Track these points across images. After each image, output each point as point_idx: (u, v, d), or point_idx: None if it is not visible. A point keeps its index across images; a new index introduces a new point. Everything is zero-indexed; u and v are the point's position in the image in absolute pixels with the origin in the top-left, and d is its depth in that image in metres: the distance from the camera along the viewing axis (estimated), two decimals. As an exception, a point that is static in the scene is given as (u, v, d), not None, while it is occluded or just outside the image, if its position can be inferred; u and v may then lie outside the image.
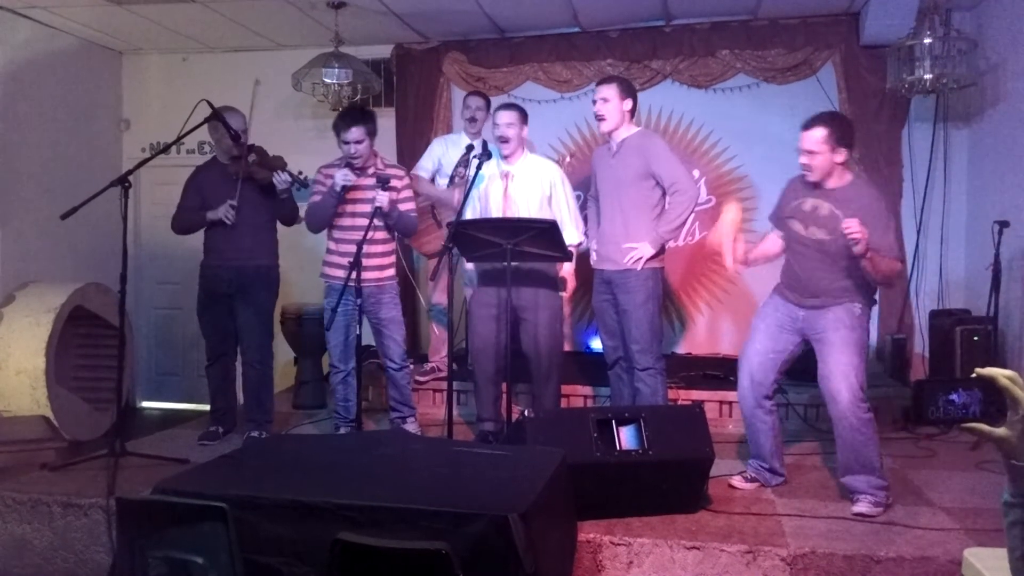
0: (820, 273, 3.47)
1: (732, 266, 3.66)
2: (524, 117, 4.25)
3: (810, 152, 3.39)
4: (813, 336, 3.51)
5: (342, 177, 4.13)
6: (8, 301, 5.19)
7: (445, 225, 4.84)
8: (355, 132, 4.20)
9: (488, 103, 5.17)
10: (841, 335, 3.39)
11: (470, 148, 4.99)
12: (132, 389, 6.48)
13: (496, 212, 4.20)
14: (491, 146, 4.38)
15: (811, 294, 3.50)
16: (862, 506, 3.33)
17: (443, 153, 5.15)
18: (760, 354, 3.60)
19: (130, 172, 3.92)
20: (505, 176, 4.20)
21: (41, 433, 4.47)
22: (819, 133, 3.37)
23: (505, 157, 4.21)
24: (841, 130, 3.39)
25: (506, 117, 4.16)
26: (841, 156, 3.39)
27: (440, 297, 5.19)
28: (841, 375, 3.36)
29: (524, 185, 4.18)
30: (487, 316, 4.17)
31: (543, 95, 5.89)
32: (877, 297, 5.36)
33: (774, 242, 3.73)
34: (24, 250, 5.59)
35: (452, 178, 5.05)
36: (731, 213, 3.50)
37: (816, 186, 3.48)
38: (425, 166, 5.18)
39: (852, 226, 3.14)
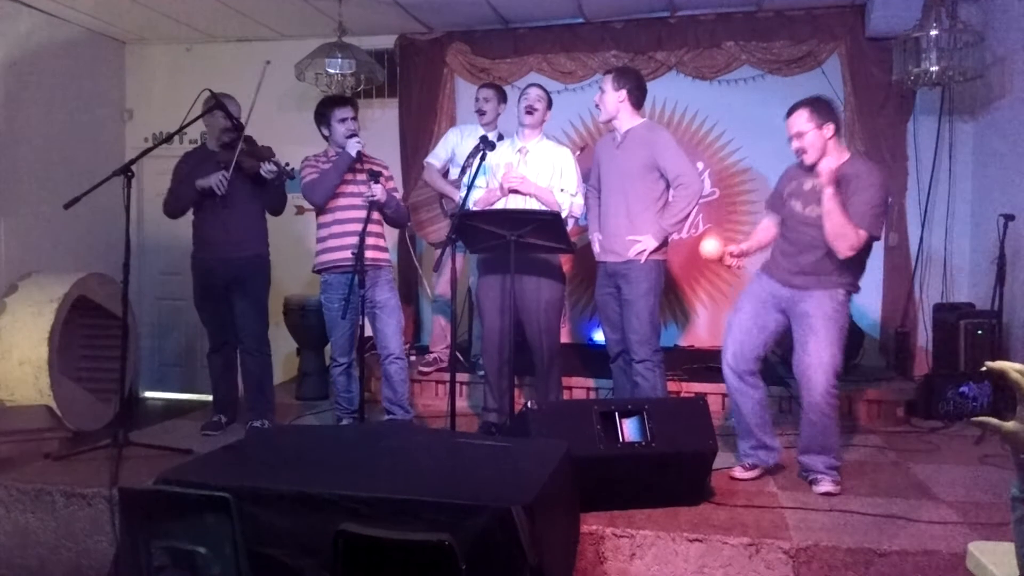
0: (813, 248, 3.49)
1: (736, 267, 3.74)
2: (550, 102, 4.31)
3: (799, 134, 3.48)
4: (794, 317, 3.54)
5: (356, 143, 4.13)
6: (11, 291, 5.19)
7: (450, 216, 4.83)
8: (349, 110, 4.25)
9: (500, 94, 5.14)
10: (823, 324, 3.44)
11: (483, 139, 4.99)
12: (135, 379, 6.49)
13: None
14: (507, 139, 4.37)
15: (799, 271, 3.53)
16: (826, 486, 3.46)
17: (457, 143, 5.13)
18: (743, 331, 3.63)
19: (133, 162, 3.90)
20: (520, 151, 4.21)
21: (44, 423, 4.47)
22: (803, 113, 3.48)
23: (525, 126, 4.21)
24: (821, 107, 3.49)
25: (536, 91, 4.24)
26: (830, 130, 3.47)
27: (444, 289, 5.19)
28: (819, 365, 3.43)
29: (537, 163, 4.18)
30: (492, 308, 4.17)
31: (547, 86, 5.77)
32: (881, 292, 5.47)
33: (767, 229, 3.77)
34: (27, 240, 5.59)
35: (464, 168, 5.05)
36: (711, 246, 3.57)
37: (814, 168, 3.51)
38: (438, 154, 5.18)
39: (823, 168, 3.31)
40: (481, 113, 5.04)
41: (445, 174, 5.18)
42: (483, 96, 5.05)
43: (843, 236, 3.33)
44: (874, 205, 3.38)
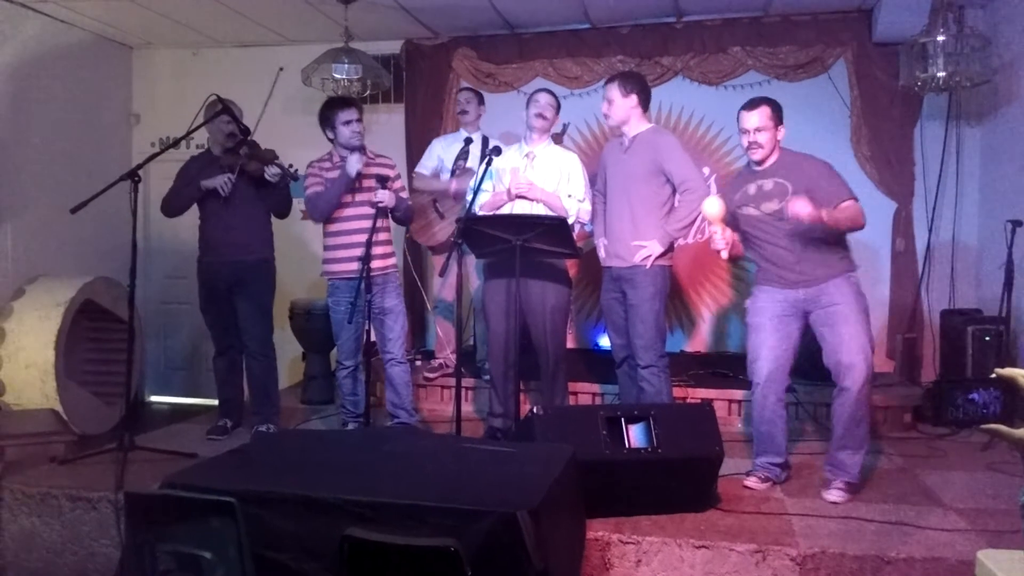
0: (797, 243, 3.52)
1: (726, 255, 3.63)
2: (559, 108, 4.32)
3: (758, 129, 3.57)
4: (818, 310, 3.52)
5: (357, 161, 4.11)
6: (18, 295, 5.20)
7: (455, 220, 4.84)
8: (354, 112, 4.22)
9: (478, 96, 5.26)
10: (851, 308, 3.47)
11: (468, 141, 5.05)
12: (141, 383, 6.49)
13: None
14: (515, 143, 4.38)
15: (800, 269, 3.54)
16: (836, 494, 3.45)
17: (443, 151, 5.22)
18: (772, 349, 3.59)
19: (140, 166, 3.91)
20: (528, 156, 4.22)
21: (50, 427, 4.47)
22: (765, 110, 3.59)
23: (534, 131, 4.21)
24: (778, 109, 3.63)
25: (547, 98, 4.24)
26: (781, 133, 3.62)
27: (448, 293, 5.20)
28: (858, 347, 3.42)
29: (544, 167, 4.19)
30: (498, 312, 4.16)
31: (553, 91, 5.87)
32: (888, 298, 5.46)
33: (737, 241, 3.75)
34: (34, 244, 5.60)
35: (453, 171, 5.08)
36: (714, 207, 3.54)
37: (752, 170, 3.67)
38: (427, 164, 5.25)
39: (796, 209, 3.31)
40: (464, 113, 5.20)
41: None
42: (464, 98, 5.25)
43: (854, 220, 3.46)
44: (839, 183, 3.54)
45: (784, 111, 3.65)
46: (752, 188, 3.63)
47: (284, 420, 4.73)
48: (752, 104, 3.62)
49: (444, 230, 5.13)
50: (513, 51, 5.97)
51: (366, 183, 4.18)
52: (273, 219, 4.55)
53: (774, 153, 3.62)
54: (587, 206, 4.23)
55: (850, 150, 5.46)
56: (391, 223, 4.38)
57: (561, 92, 5.85)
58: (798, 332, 3.62)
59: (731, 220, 3.71)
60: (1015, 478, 3.68)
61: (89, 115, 6.18)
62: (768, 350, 3.60)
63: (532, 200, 4.12)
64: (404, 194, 4.40)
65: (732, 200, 3.70)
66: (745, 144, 3.63)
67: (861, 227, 3.49)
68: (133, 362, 4.09)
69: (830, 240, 3.51)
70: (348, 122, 4.20)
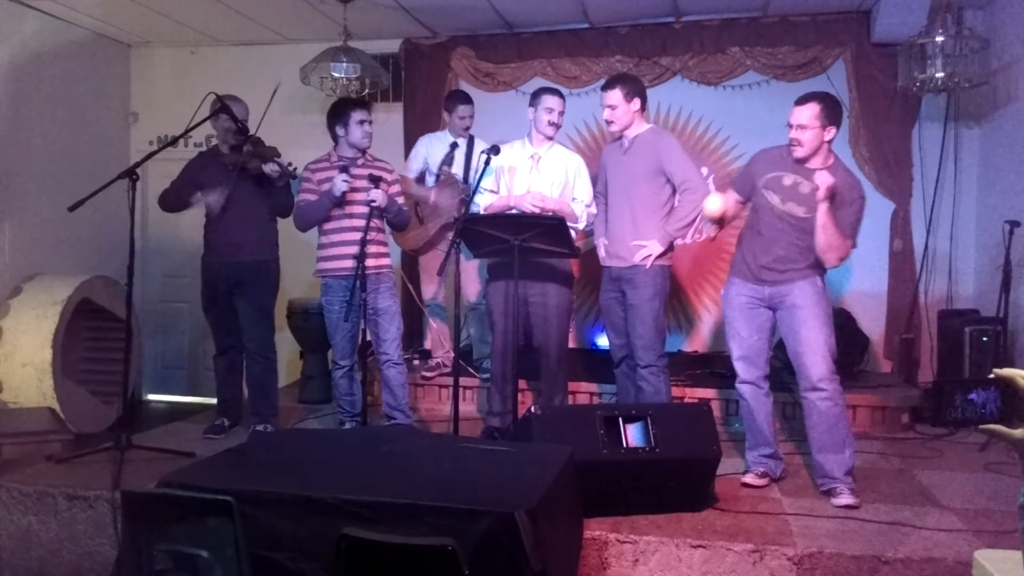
0: (789, 244, 3.53)
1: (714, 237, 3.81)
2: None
3: (802, 127, 3.45)
4: (781, 311, 3.57)
5: (342, 182, 4.10)
6: (15, 293, 5.19)
7: (454, 218, 4.84)
8: (368, 113, 4.25)
9: (472, 104, 5.22)
10: (811, 310, 3.49)
11: (454, 146, 5.05)
12: (138, 382, 6.49)
13: (524, 190, 4.19)
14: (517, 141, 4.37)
15: (774, 267, 3.55)
16: (846, 498, 3.39)
17: (428, 152, 5.20)
18: (747, 340, 3.65)
19: (138, 164, 3.90)
20: (532, 158, 4.21)
21: (47, 425, 4.46)
22: (813, 108, 3.45)
23: (542, 134, 4.19)
24: (832, 108, 3.48)
25: (560, 103, 4.17)
26: (830, 134, 3.48)
27: (440, 293, 5.20)
28: (817, 349, 3.45)
29: (549, 170, 4.18)
30: (500, 311, 4.16)
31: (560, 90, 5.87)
32: (885, 298, 5.46)
33: (735, 206, 3.75)
34: (31, 242, 5.59)
35: (438, 176, 5.07)
36: (716, 203, 3.60)
37: (797, 163, 3.53)
38: (412, 168, 5.23)
39: (821, 178, 3.29)
40: (467, 129, 5.15)
41: (421, 183, 5.21)
42: (468, 113, 5.14)
43: (837, 248, 3.42)
44: (859, 218, 3.49)
45: (781, 112, 3.61)
46: (788, 180, 3.53)
47: (281, 419, 4.72)
48: (802, 99, 3.50)
49: (422, 235, 5.14)
50: (512, 51, 5.97)
51: (361, 183, 4.17)
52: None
53: (819, 155, 3.49)
54: (593, 210, 4.23)
55: (848, 151, 5.45)
56: (385, 224, 4.38)
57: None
58: (769, 323, 3.66)
59: (745, 186, 3.69)
60: (1013, 479, 3.69)
61: (87, 113, 6.18)
62: (742, 342, 3.66)
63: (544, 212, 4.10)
64: (400, 199, 4.39)
65: (763, 174, 3.61)
66: (790, 138, 3.51)
67: (831, 262, 3.47)
68: (130, 361, 4.08)
69: (809, 246, 3.49)
70: (363, 122, 4.22)
